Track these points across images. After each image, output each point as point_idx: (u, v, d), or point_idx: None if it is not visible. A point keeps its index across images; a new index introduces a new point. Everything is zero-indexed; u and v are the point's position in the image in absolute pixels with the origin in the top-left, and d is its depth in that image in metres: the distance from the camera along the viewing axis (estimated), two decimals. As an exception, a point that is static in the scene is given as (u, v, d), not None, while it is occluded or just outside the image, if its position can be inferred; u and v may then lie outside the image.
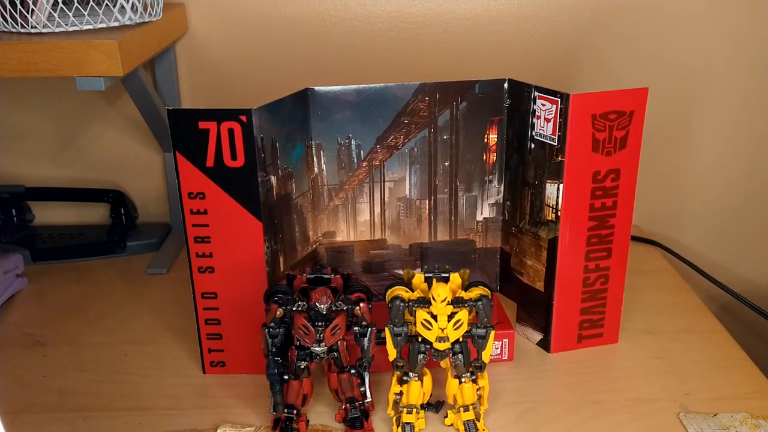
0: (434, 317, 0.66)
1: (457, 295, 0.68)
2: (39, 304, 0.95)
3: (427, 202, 0.87)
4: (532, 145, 0.79)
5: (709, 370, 0.79)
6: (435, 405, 0.73)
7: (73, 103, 1.12)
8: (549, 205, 0.78)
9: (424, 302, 0.67)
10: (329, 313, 0.66)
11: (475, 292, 0.68)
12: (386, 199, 0.86)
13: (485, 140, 0.85)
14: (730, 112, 1.12)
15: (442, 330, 0.66)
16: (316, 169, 0.83)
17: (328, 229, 0.86)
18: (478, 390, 0.70)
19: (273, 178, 0.75)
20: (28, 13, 0.79)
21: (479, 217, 0.89)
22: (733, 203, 1.18)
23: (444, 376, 0.71)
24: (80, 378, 0.79)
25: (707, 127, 1.13)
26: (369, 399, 0.69)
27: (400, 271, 0.89)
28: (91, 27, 0.82)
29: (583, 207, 0.77)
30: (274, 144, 0.74)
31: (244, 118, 0.70)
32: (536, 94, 0.77)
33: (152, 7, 0.89)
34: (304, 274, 0.72)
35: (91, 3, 0.82)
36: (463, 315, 0.67)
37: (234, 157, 0.71)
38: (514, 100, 0.83)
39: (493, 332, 0.68)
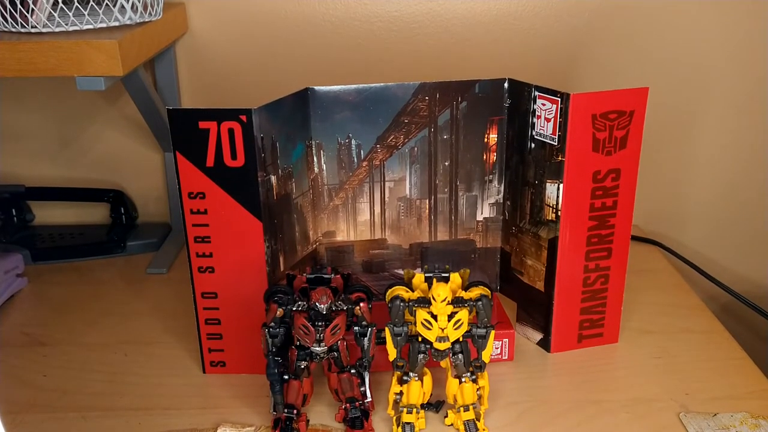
0: (434, 317, 0.66)
1: (457, 295, 0.68)
2: (39, 304, 0.95)
3: (427, 201, 0.87)
4: (533, 145, 0.79)
5: (709, 370, 0.79)
6: (435, 405, 0.73)
7: (73, 103, 1.12)
8: (549, 205, 0.78)
9: (424, 302, 0.67)
10: (329, 313, 0.66)
11: (475, 292, 0.68)
12: (386, 199, 0.86)
13: (485, 140, 0.85)
14: (730, 112, 1.12)
15: (442, 330, 0.66)
16: (316, 169, 0.83)
17: (328, 229, 0.86)
18: (478, 390, 0.70)
19: (273, 178, 0.75)
20: (28, 13, 0.79)
21: (479, 217, 0.89)
22: (733, 203, 1.18)
23: (444, 376, 0.71)
24: (80, 378, 0.79)
25: (707, 127, 1.13)
26: (369, 399, 0.69)
27: (400, 271, 0.89)
28: (91, 27, 0.82)
29: (583, 207, 0.77)
30: (274, 144, 0.74)
31: (244, 117, 0.70)
32: (536, 93, 0.77)
33: (152, 7, 0.89)
34: (304, 274, 0.72)
35: (91, 3, 0.82)
36: (463, 315, 0.67)
37: (234, 156, 0.71)
38: (514, 100, 0.83)
39: (493, 332, 0.68)
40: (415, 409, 0.69)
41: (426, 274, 0.71)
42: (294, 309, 0.67)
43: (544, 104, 0.76)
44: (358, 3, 1.07)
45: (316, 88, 0.80)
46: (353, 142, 0.83)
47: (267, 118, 0.72)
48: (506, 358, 0.81)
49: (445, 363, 0.71)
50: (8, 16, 0.79)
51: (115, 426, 0.72)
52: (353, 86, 0.81)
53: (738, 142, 1.14)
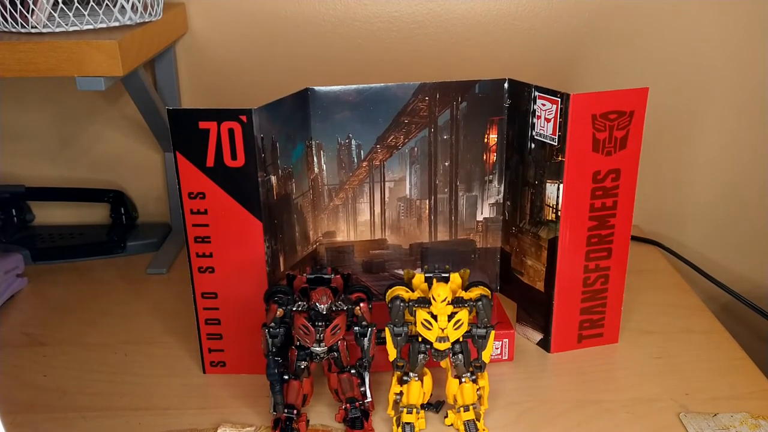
0: (434, 317, 0.66)
1: (457, 295, 0.68)
2: (39, 304, 0.95)
3: (427, 202, 0.87)
4: (533, 145, 0.79)
5: (709, 370, 0.79)
6: (435, 405, 0.73)
7: (73, 103, 1.12)
8: (549, 205, 0.78)
9: (424, 302, 0.67)
10: (329, 313, 0.66)
11: (475, 292, 0.68)
12: (386, 199, 0.86)
13: (485, 140, 0.85)
14: (730, 112, 1.12)
15: (443, 330, 0.66)
16: (316, 169, 0.83)
17: (328, 229, 0.86)
18: (478, 390, 0.70)
19: (273, 178, 0.75)
20: (28, 13, 0.79)
21: (479, 217, 0.89)
22: (733, 203, 1.18)
23: (444, 376, 0.71)
24: (80, 378, 0.79)
25: (707, 127, 1.13)
26: (369, 399, 0.69)
27: (400, 271, 0.89)
28: (91, 27, 0.82)
29: (583, 207, 0.77)
30: (274, 144, 0.74)
31: (244, 118, 0.70)
32: (536, 93, 0.77)
33: (152, 7, 0.89)
34: (304, 274, 0.72)
35: (91, 3, 0.82)
36: (463, 315, 0.67)
37: (234, 157, 0.71)
38: (514, 100, 0.83)
39: (493, 332, 0.68)
40: (415, 410, 0.69)
41: (426, 275, 0.71)
42: (294, 309, 0.67)
43: (544, 104, 0.76)
44: (358, 3, 1.07)
45: (316, 88, 0.80)
46: (353, 142, 0.83)
47: (267, 118, 0.72)
48: (506, 358, 0.81)
49: (445, 363, 0.71)
50: (8, 16, 0.80)
51: (115, 426, 0.72)
52: (353, 86, 0.81)
53: (738, 142, 1.14)
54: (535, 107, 0.77)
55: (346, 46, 1.09)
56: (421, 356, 0.68)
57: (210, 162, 0.71)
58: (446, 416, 0.71)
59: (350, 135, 0.83)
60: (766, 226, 1.19)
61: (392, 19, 1.08)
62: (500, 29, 1.08)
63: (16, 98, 1.12)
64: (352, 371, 0.69)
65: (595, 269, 0.80)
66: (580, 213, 0.77)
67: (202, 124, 0.70)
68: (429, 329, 0.66)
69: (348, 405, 0.70)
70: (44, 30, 0.80)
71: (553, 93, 0.75)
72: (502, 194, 0.88)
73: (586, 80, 1.11)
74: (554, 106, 0.74)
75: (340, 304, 0.67)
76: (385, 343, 0.68)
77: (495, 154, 0.86)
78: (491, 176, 0.87)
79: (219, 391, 0.77)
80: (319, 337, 0.65)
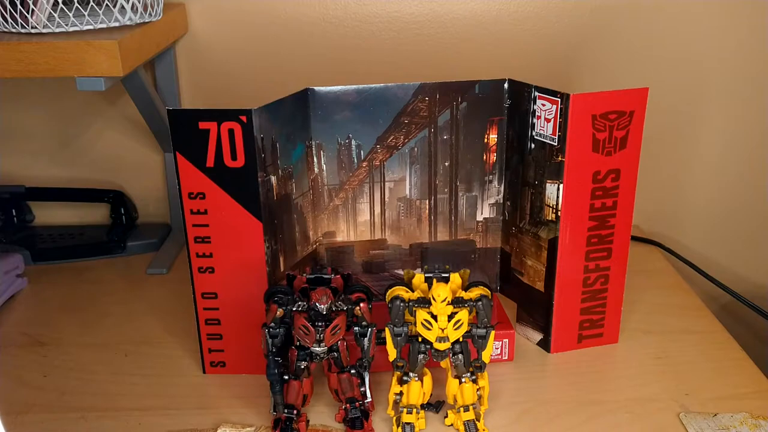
0: (434, 317, 0.66)
1: (457, 295, 0.68)
2: (39, 304, 0.95)
3: (427, 202, 0.87)
4: (532, 145, 0.79)
5: (709, 370, 0.79)
6: (435, 405, 0.73)
7: (73, 103, 1.12)
8: (549, 205, 0.78)
9: (424, 302, 0.67)
10: (329, 313, 0.66)
11: (475, 292, 0.68)
12: (386, 199, 0.86)
13: (485, 140, 0.86)
14: (730, 112, 1.12)
15: (443, 330, 0.66)
16: (316, 169, 0.83)
17: (328, 229, 0.86)
18: (478, 390, 0.70)
19: (273, 178, 0.75)
20: (28, 14, 0.79)
21: (479, 217, 0.89)
22: (733, 203, 1.18)
23: (444, 376, 0.71)
24: (80, 378, 0.79)
25: (707, 126, 1.13)
26: (369, 399, 0.69)
27: (400, 271, 0.89)
28: (91, 27, 0.82)
29: (583, 207, 0.77)
30: (274, 144, 0.74)
31: (244, 118, 0.70)
32: (536, 94, 0.77)
33: (152, 7, 0.89)
34: (304, 274, 0.72)
35: (91, 3, 0.82)
36: (463, 315, 0.67)
37: (234, 157, 0.71)
38: (514, 100, 0.83)
39: (493, 332, 0.68)
40: (415, 410, 0.69)
41: (426, 275, 0.71)
42: (294, 309, 0.67)
43: (544, 104, 0.76)
44: (358, 3, 1.07)
45: (316, 88, 0.80)
46: (353, 142, 0.83)
47: (267, 118, 0.72)
48: (506, 358, 0.81)
49: (445, 363, 0.71)
50: (8, 17, 0.80)
51: (115, 426, 0.72)
52: (353, 87, 0.81)
53: (738, 142, 1.14)
54: (535, 107, 0.77)
55: (346, 46, 1.09)
56: (421, 356, 0.68)
57: (210, 162, 0.71)
58: (446, 416, 0.71)
59: (350, 135, 0.83)
60: (766, 226, 1.19)
61: (392, 19, 1.08)
62: (500, 29, 1.08)
63: (16, 98, 1.12)
64: (352, 371, 0.69)
65: (595, 269, 0.80)
66: (580, 213, 0.77)
67: (202, 125, 0.70)
68: (429, 329, 0.66)
69: (348, 405, 0.70)
70: (44, 30, 0.80)
71: (553, 93, 0.75)
72: (502, 194, 0.88)
73: (586, 80, 1.11)
74: (554, 106, 0.74)
75: (340, 305, 0.67)
76: (385, 343, 0.68)
77: (495, 155, 0.86)
78: (491, 176, 0.87)
79: (219, 391, 0.77)
80: (319, 337, 0.65)
